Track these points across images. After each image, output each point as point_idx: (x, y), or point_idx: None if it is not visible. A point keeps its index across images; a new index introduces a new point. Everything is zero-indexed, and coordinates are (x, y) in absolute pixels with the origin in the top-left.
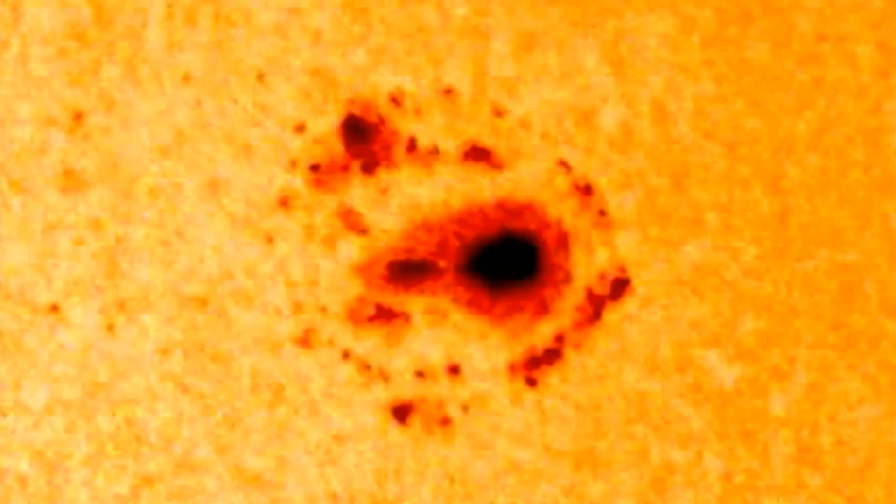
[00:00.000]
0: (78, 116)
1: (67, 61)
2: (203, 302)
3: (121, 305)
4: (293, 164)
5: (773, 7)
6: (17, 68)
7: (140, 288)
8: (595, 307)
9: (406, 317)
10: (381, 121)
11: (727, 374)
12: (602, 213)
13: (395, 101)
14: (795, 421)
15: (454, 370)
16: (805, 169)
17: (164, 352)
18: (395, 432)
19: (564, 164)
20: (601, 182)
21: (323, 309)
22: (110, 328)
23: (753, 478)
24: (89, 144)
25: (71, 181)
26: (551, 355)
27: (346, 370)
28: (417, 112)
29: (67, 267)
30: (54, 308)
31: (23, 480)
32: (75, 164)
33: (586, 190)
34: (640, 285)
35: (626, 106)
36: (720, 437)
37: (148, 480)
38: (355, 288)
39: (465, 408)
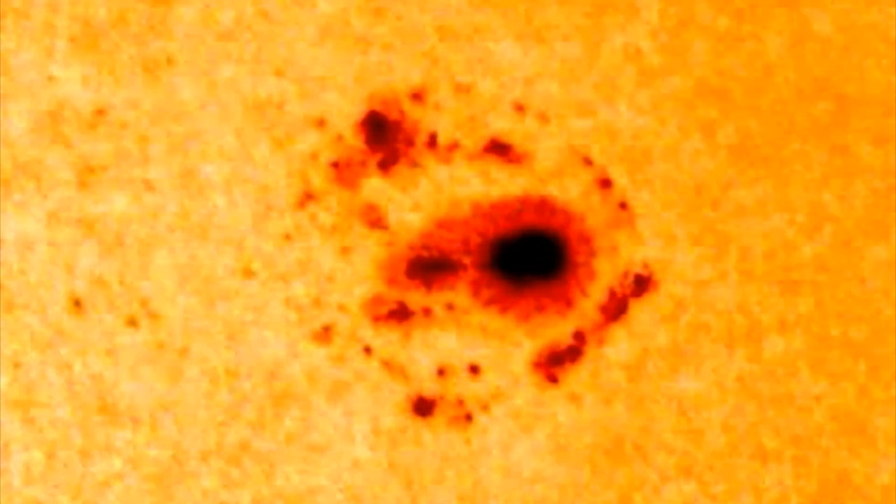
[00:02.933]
0: (100, 112)
1: (88, 56)
2: (223, 297)
3: (142, 301)
4: (313, 160)
5: (791, 3)
6: (38, 64)
7: (160, 284)
8: (618, 304)
9: (427, 314)
10: (402, 116)
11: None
12: (623, 206)
13: (416, 96)
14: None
15: (475, 367)
16: (820, 168)
17: (184, 350)
18: (415, 429)
19: (585, 159)
20: (622, 177)
21: (343, 306)
22: (132, 323)
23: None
24: (110, 140)
25: (91, 176)
26: (573, 353)
27: (367, 367)
28: (438, 108)
29: (89, 262)
30: (77, 303)
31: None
32: (95, 159)
33: (606, 184)
34: (662, 282)
35: (646, 100)
36: (746, 432)
37: (169, 472)
38: (376, 285)
39: (486, 405)
